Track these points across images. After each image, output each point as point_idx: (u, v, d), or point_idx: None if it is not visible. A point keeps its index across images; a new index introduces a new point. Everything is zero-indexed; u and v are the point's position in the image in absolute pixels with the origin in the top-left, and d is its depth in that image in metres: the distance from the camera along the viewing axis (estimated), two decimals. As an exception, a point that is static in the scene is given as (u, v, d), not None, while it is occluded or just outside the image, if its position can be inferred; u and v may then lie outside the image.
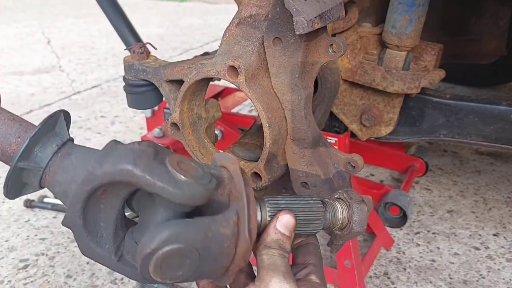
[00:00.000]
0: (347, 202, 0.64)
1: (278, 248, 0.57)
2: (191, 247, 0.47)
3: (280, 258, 0.56)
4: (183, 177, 0.48)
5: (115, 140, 0.54)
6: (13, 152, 0.55)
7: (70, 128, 0.61)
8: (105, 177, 0.48)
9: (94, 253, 0.54)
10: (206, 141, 0.92)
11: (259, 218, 0.58)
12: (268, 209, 0.59)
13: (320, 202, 0.62)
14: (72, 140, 0.59)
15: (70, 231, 0.54)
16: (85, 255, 0.55)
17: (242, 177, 0.52)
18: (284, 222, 0.59)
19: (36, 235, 1.44)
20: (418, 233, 1.46)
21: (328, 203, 0.63)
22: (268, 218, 0.59)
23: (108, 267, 0.56)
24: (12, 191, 0.57)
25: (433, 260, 1.34)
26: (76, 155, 0.55)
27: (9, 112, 0.59)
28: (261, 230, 0.59)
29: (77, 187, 0.50)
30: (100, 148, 0.54)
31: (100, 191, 0.51)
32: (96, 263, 1.30)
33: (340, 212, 0.63)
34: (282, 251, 0.57)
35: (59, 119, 0.58)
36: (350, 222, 0.63)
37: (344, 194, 0.65)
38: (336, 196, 0.65)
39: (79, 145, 0.57)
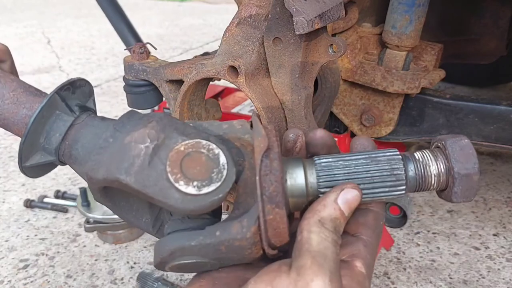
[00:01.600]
0: (443, 151, 0.46)
1: (333, 230, 0.42)
2: (205, 260, 0.43)
3: (333, 246, 0.41)
4: (183, 186, 0.41)
5: (132, 111, 0.49)
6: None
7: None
8: (103, 183, 0.45)
9: (133, 224, 0.51)
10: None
11: (301, 183, 0.45)
12: (316, 173, 0.45)
13: (399, 155, 0.45)
14: (85, 110, 0.54)
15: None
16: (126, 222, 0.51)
17: (261, 168, 0.42)
18: (349, 198, 0.44)
19: (36, 235, 1.44)
20: (418, 233, 1.46)
21: (413, 155, 0.46)
22: (317, 183, 0.45)
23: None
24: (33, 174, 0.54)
25: (433, 260, 1.34)
26: (82, 143, 0.51)
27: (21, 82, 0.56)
28: (309, 201, 0.46)
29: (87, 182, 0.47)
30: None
31: None
32: (96, 263, 1.30)
33: (435, 165, 0.45)
34: (337, 236, 0.43)
35: (58, 98, 0.53)
36: (452, 177, 0.44)
37: (438, 142, 0.47)
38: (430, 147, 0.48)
39: (90, 121, 0.52)
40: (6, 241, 1.42)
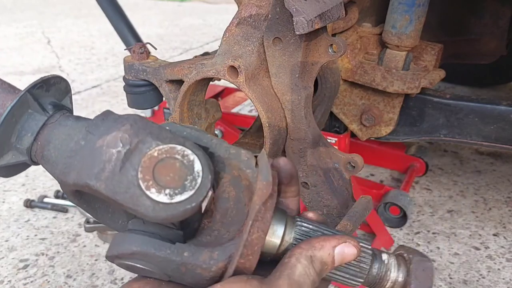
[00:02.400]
0: (406, 263, 0.49)
1: (318, 272, 0.43)
2: (159, 273, 0.43)
3: (310, 285, 0.42)
4: (154, 194, 0.40)
5: (107, 112, 0.47)
6: None
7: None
8: (74, 187, 0.44)
9: (109, 226, 0.51)
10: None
11: (277, 240, 0.46)
12: (294, 235, 0.47)
13: (370, 250, 0.48)
14: (60, 108, 0.53)
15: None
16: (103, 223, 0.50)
17: (258, 215, 0.42)
18: (346, 252, 0.45)
19: (36, 235, 1.44)
20: (418, 233, 1.46)
21: (380, 256, 0.49)
22: (291, 243, 0.46)
23: None
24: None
25: (433, 260, 1.34)
26: (54, 144, 0.49)
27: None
28: (280, 254, 0.46)
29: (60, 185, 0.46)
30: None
31: None
32: (96, 263, 1.30)
33: (395, 272, 0.48)
34: (318, 279, 0.43)
35: (30, 97, 0.51)
36: None
37: (405, 253, 0.50)
38: (396, 252, 0.51)
39: (64, 121, 0.51)
40: (6, 241, 1.42)
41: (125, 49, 1.05)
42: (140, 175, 0.40)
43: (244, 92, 0.77)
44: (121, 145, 0.42)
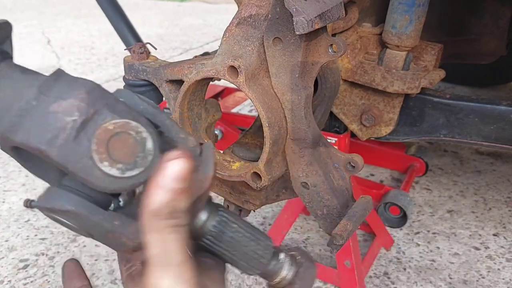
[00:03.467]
0: (298, 265, 0.54)
1: (171, 216, 0.39)
2: (84, 232, 0.44)
3: (174, 234, 0.40)
4: (107, 168, 0.41)
5: (59, 71, 0.45)
6: None
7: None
8: (20, 146, 0.43)
9: (43, 179, 0.49)
10: (206, 141, 0.92)
11: (199, 224, 0.49)
12: (214, 223, 0.49)
13: (272, 248, 0.53)
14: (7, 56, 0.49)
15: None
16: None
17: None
18: (173, 173, 0.39)
19: (36, 235, 1.44)
20: (418, 233, 1.46)
21: (278, 254, 0.54)
22: (211, 230, 0.49)
23: None
24: None
25: (433, 260, 1.34)
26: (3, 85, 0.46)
27: None
28: (200, 233, 0.49)
29: None
30: None
31: None
32: (96, 263, 1.30)
33: (285, 271, 0.54)
34: (176, 220, 0.40)
35: None
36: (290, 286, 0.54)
37: (299, 256, 0.55)
38: (291, 252, 0.56)
39: (9, 72, 0.47)
40: (6, 241, 1.42)
41: (125, 49, 1.05)
42: (94, 147, 0.41)
43: (244, 92, 0.77)
44: (77, 114, 0.41)
